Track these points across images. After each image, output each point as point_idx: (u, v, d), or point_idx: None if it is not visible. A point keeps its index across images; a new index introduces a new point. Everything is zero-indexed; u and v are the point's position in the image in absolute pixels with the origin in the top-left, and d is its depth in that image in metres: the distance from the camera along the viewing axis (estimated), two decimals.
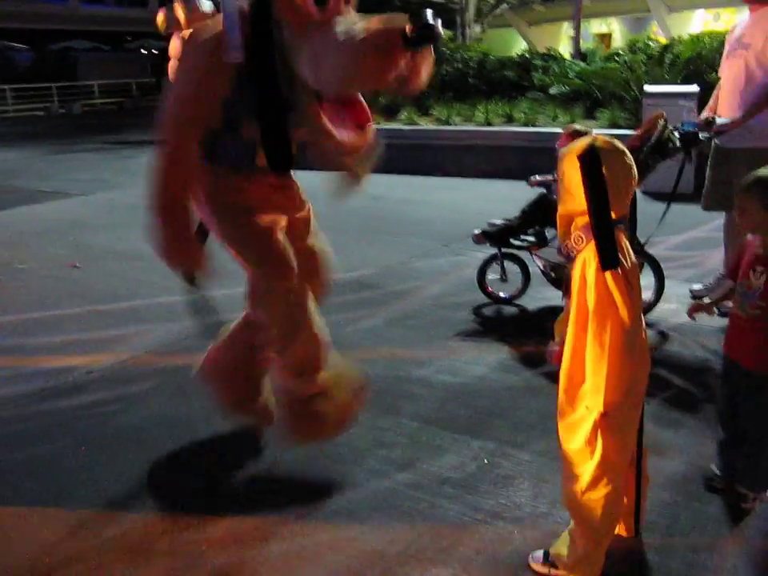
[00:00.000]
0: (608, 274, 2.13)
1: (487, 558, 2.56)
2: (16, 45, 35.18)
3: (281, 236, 2.93)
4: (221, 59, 2.59)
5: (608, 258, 2.12)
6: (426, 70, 2.55)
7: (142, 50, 40.52)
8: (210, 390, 3.35)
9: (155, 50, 40.66)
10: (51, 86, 31.00)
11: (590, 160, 2.08)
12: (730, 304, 2.89)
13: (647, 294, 4.70)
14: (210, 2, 3.00)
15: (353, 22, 2.50)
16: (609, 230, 2.13)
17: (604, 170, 2.09)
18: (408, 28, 2.30)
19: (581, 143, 2.15)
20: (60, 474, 3.23)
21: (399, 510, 2.86)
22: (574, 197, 2.16)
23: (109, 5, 39.72)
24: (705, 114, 4.93)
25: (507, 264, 5.25)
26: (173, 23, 2.99)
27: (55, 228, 8.23)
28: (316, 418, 3.04)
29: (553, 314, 4.98)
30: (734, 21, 4.60)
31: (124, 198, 9.99)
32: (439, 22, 2.37)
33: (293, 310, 2.93)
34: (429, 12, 2.33)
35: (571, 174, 2.14)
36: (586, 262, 2.18)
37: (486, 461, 3.19)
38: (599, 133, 5.00)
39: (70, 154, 15.61)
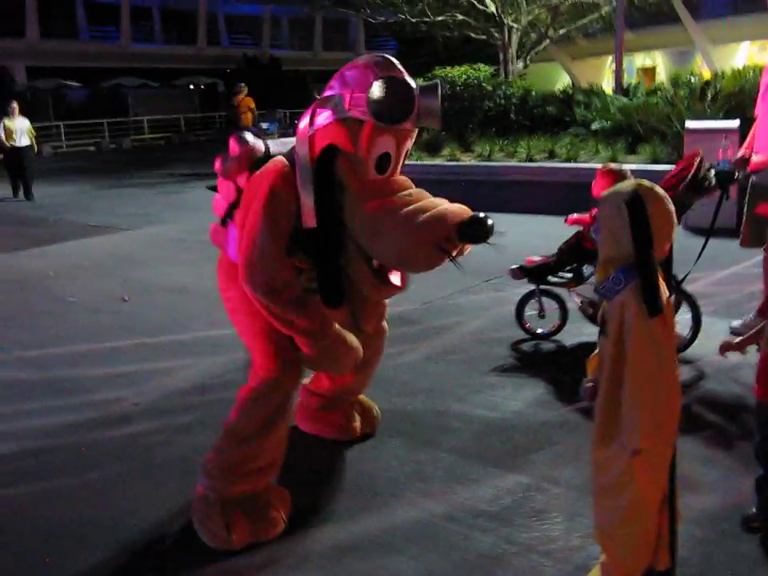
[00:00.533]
0: (648, 317, 2.20)
1: None
2: (70, 83, 36.20)
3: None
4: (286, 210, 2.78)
5: (654, 305, 2.19)
6: (468, 251, 2.81)
7: (190, 86, 41.48)
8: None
9: (203, 85, 41.63)
10: (102, 122, 31.83)
11: (637, 205, 2.16)
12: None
13: (685, 332, 4.73)
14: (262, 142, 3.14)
15: (414, 199, 2.73)
16: (654, 275, 2.20)
17: (649, 216, 2.17)
18: (465, 223, 2.51)
19: (623, 187, 2.22)
20: (108, 501, 3.36)
21: (434, 542, 2.93)
22: (616, 241, 2.23)
23: (158, 43, 40.81)
24: (742, 151, 4.98)
25: (545, 300, 5.31)
26: (230, 171, 3.10)
27: (104, 262, 8.50)
28: (223, 524, 2.96)
29: (589, 350, 5.02)
30: None
31: (169, 232, 10.29)
32: (490, 221, 2.61)
33: (275, 415, 3.03)
34: (483, 214, 2.60)
35: (614, 218, 2.22)
36: (625, 304, 2.24)
37: (521, 494, 3.25)
38: (640, 168, 5.10)
39: (118, 189, 16.03)
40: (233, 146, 3.03)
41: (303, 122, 2.82)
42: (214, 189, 3.29)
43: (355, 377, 3.69)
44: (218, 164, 3.10)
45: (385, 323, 3.64)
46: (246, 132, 3.14)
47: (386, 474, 3.46)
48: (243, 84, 17.32)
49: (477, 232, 2.59)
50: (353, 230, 2.77)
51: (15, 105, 14.62)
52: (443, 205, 2.72)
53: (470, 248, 2.78)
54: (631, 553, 2.36)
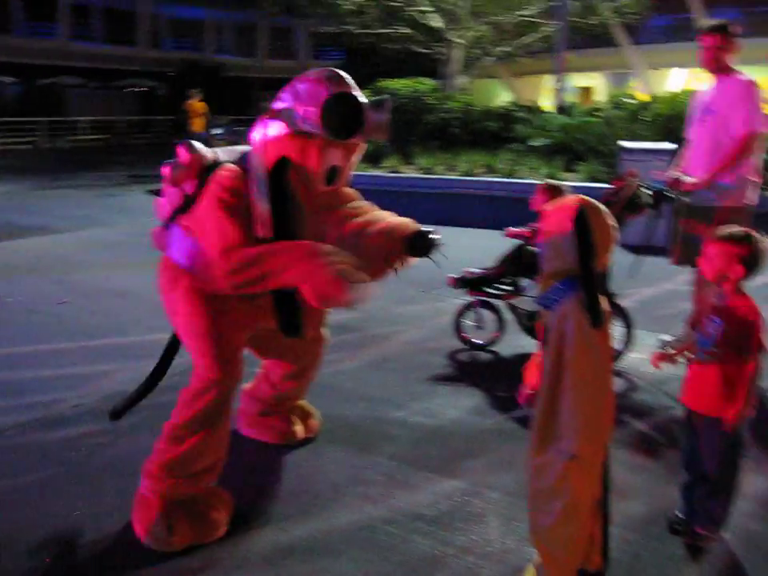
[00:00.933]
0: (589, 328, 2.31)
1: None
2: (4, 78, 35.39)
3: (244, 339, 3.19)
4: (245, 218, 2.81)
5: (596, 316, 2.31)
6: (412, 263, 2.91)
7: (131, 89, 40.95)
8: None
9: (143, 88, 41.13)
10: (39, 121, 31.18)
11: (581, 220, 2.27)
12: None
13: (616, 344, 4.90)
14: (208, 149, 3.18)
15: (362, 214, 2.82)
16: (596, 288, 2.32)
17: (592, 230, 2.28)
18: (411, 237, 2.61)
19: (566, 203, 2.33)
20: (43, 504, 3.34)
21: (374, 544, 3.00)
22: (560, 254, 2.34)
23: (98, 42, 40.16)
24: (674, 172, 5.18)
25: (483, 311, 5.44)
26: (178, 178, 3.12)
27: (41, 263, 8.37)
28: (164, 525, 2.99)
29: (525, 360, 5.17)
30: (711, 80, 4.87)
31: (108, 235, 10.19)
32: (437, 235, 2.75)
33: (214, 416, 3.09)
34: (430, 228, 2.76)
35: (558, 232, 2.32)
36: (566, 315, 2.35)
37: (458, 499, 3.34)
38: (577, 185, 5.25)
39: (55, 190, 15.75)
40: (182, 153, 3.05)
41: (257, 133, 2.87)
42: (156, 193, 3.31)
43: (294, 382, 3.77)
44: (166, 171, 3.12)
45: (325, 331, 3.70)
46: (194, 140, 3.18)
47: (325, 478, 3.52)
48: (196, 90, 17.31)
49: (422, 246, 2.68)
50: (299, 234, 2.83)
51: None
52: (390, 218, 2.81)
53: (414, 261, 2.87)
54: (565, 554, 2.47)
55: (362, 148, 2.97)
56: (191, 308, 3.04)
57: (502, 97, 31.49)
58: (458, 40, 18.92)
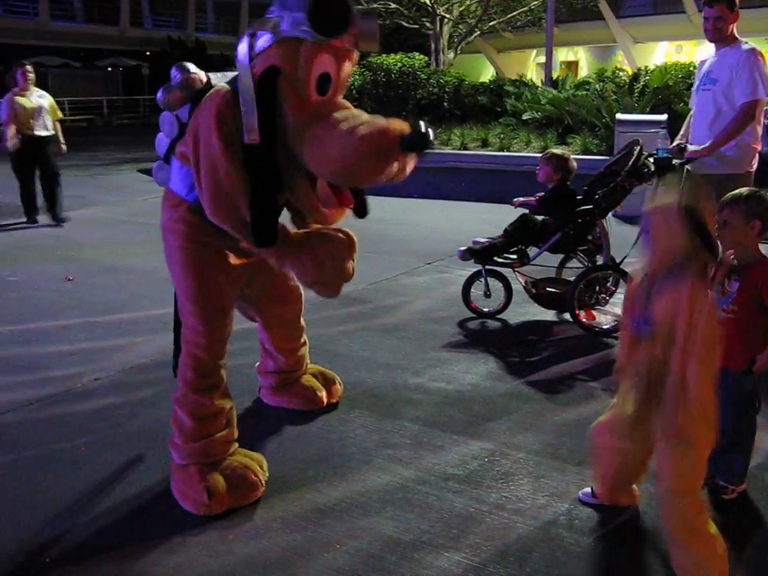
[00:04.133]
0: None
1: (495, 545, 2.79)
2: None
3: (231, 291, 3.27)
4: (234, 135, 2.81)
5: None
6: (411, 167, 2.81)
7: (113, 68, 40.53)
8: None
9: (125, 67, 40.69)
10: None
11: (693, 216, 2.44)
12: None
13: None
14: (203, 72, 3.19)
15: (355, 117, 2.78)
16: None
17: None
18: (406, 134, 2.61)
19: (672, 201, 2.49)
20: (78, 473, 3.40)
21: (410, 504, 3.08)
22: (673, 244, 2.49)
23: (79, 21, 39.66)
24: (677, 141, 5.26)
25: (490, 280, 5.52)
26: (170, 101, 3.11)
27: (41, 243, 8.37)
28: (202, 490, 3.04)
29: (533, 327, 5.31)
30: (696, 53, 4.96)
31: (106, 214, 10.18)
32: (431, 132, 2.67)
33: (209, 377, 3.21)
34: (423, 123, 2.65)
35: (670, 227, 2.48)
36: (690, 297, 2.44)
37: (486, 459, 3.43)
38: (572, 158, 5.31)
39: None
40: (174, 73, 3.09)
41: (242, 44, 2.86)
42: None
43: (285, 349, 3.89)
44: (159, 94, 3.14)
45: (299, 289, 3.74)
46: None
47: (354, 442, 3.60)
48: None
49: (418, 141, 2.64)
50: (294, 149, 2.81)
51: (30, 70, 9.34)
52: (383, 119, 2.79)
53: (410, 166, 2.79)
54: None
55: (353, 57, 2.92)
56: (183, 267, 3.15)
57: (488, 72, 31.51)
58: (446, 14, 18.88)
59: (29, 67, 9.29)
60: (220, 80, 3.09)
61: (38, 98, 9.32)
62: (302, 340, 3.96)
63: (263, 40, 2.82)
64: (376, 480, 3.27)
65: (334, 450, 3.52)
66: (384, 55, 14.53)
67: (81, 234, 8.86)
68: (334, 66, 2.83)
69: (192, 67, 3.11)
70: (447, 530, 2.89)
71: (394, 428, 3.75)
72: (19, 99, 9.11)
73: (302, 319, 3.89)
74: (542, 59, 18.64)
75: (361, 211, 3.12)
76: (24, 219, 9.58)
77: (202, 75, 3.11)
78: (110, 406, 4.11)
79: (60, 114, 9.68)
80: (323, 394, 3.94)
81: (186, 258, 3.15)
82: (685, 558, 2.55)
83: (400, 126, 2.64)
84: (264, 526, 2.96)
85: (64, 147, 9.48)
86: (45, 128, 9.23)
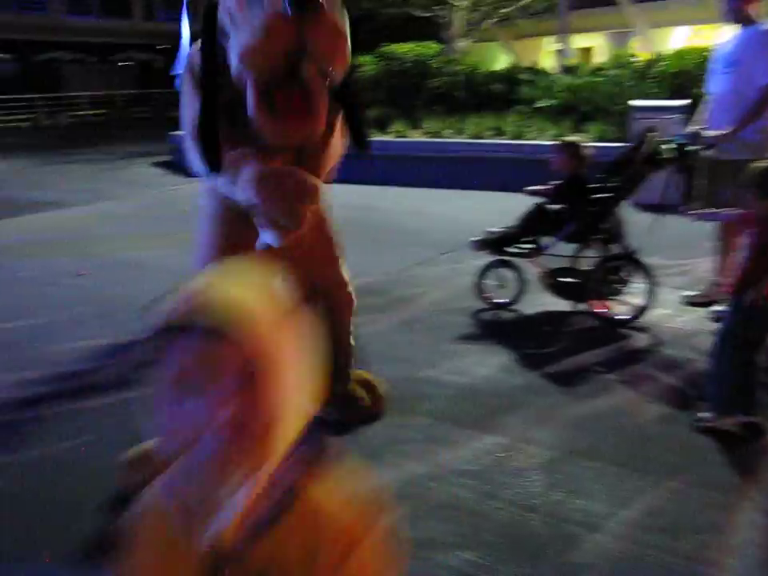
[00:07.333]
0: None
1: (509, 541, 2.74)
2: (3, 55, 35.16)
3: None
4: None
5: None
6: (329, 40, 2.68)
7: (127, 62, 40.60)
8: None
9: (139, 61, 40.75)
10: (37, 98, 30.98)
11: None
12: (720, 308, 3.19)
13: (639, 300, 4.93)
14: None
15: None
16: None
17: None
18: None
19: None
20: (83, 470, 3.38)
21: (421, 501, 3.02)
22: None
23: (93, 16, 39.70)
24: (695, 127, 5.16)
25: (504, 271, 5.44)
26: None
27: (55, 238, 8.36)
28: None
29: (548, 318, 5.22)
30: (713, 37, 4.84)
31: (120, 208, 10.15)
32: None
33: None
34: None
35: None
36: None
37: (500, 454, 3.37)
38: (587, 146, 5.23)
39: (61, 165, 15.67)
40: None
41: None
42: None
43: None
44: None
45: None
46: None
47: (362, 439, 3.54)
48: None
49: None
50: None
51: None
52: None
53: (325, 38, 2.69)
54: None
55: None
56: (207, 219, 3.26)
57: (501, 60, 31.27)
58: (459, 2, 18.72)
59: None
60: None
61: None
62: None
63: None
64: (386, 476, 3.19)
65: (344, 445, 3.47)
66: (396, 44, 14.42)
67: (93, 229, 8.82)
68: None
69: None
70: (459, 528, 2.83)
71: (405, 423, 3.70)
72: None
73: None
74: (558, 46, 18.43)
75: (359, 140, 3.06)
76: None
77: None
78: (122, 402, 4.07)
79: None
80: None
81: (213, 214, 3.26)
82: None
83: None
84: None
85: None
86: None
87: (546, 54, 32.04)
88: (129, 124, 29.23)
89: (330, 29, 2.67)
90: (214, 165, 2.88)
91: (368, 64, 13.56)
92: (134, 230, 8.69)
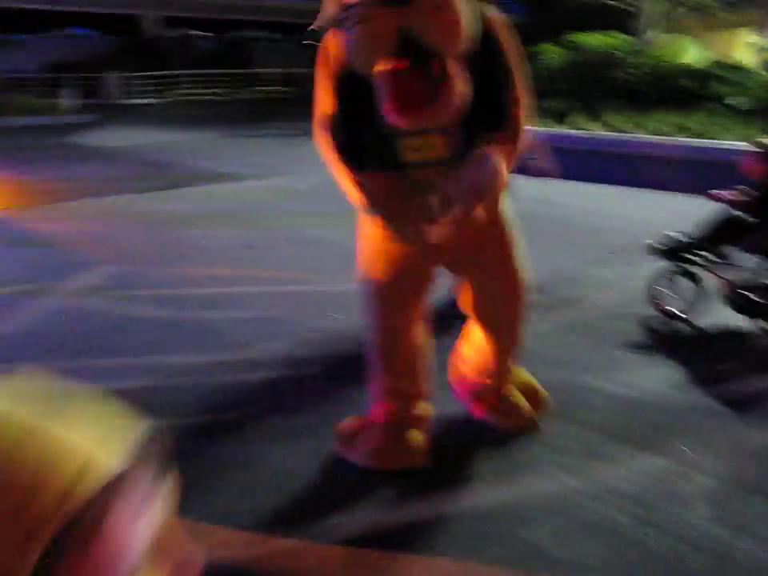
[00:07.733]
0: None
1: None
2: (197, 32, 37.02)
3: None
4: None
5: None
6: (433, 20, 2.55)
7: (315, 42, 41.65)
8: None
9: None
10: (229, 73, 32.47)
11: None
12: None
13: None
14: None
15: None
16: None
17: None
18: None
19: None
20: (243, 439, 3.45)
21: (569, 516, 2.88)
22: None
23: None
24: None
25: (681, 279, 5.12)
26: None
27: (232, 209, 8.67)
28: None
29: (725, 334, 4.86)
30: None
31: (296, 184, 10.41)
32: None
33: (385, 318, 3.18)
34: None
35: None
36: None
37: (661, 477, 3.16)
38: None
39: (244, 138, 16.31)
40: None
41: None
42: None
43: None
44: None
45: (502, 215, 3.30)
46: None
47: (520, 443, 3.42)
48: None
49: None
50: None
51: None
52: None
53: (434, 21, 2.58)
54: None
55: None
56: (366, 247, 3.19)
57: (690, 53, 29.80)
58: None
59: None
60: None
61: None
62: None
63: None
64: (538, 487, 3.08)
65: (498, 450, 3.36)
66: (583, 33, 14.00)
67: (268, 203, 9.12)
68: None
69: None
70: (610, 553, 2.67)
71: (563, 432, 3.53)
72: None
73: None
74: (756, 39, 17.31)
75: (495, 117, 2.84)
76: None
77: None
78: (275, 380, 4.13)
79: None
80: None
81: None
82: None
83: None
84: (422, 523, 2.87)
85: None
86: None
87: (743, 48, 30.26)
88: (308, 101, 30.00)
89: (431, 8, 2.56)
90: (349, 158, 2.90)
91: (551, 53, 13.21)
92: (305, 207, 8.88)
